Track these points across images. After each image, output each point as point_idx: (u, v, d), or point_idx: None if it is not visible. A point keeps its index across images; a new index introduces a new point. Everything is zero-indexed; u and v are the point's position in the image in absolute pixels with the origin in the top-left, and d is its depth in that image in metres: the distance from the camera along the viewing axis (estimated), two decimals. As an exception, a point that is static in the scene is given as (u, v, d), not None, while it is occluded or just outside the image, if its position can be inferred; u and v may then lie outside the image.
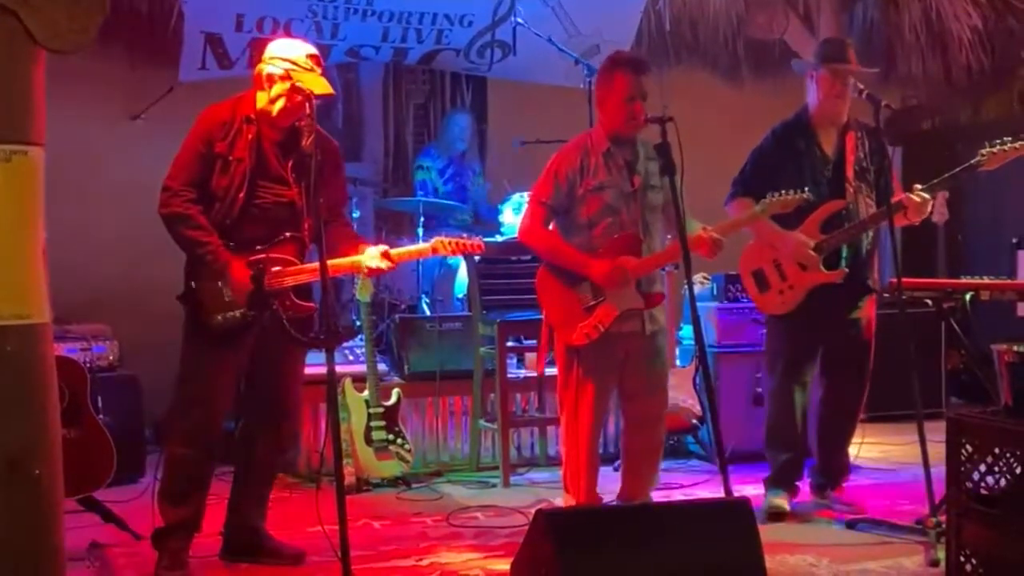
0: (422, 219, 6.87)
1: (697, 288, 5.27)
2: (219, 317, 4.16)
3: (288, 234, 4.27)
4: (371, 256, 4.27)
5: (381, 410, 5.70)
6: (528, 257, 5.97)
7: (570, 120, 6.19)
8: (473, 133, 7.74)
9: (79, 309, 6.12)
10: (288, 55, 4.20)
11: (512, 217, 6.76)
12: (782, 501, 5.01)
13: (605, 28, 7.38)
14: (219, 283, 4.14)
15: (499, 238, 6.76)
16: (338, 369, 4.05)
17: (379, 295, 6.76)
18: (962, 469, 3.77)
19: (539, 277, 4.64)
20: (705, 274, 6.47)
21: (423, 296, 6.94)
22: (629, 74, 4.45)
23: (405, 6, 7.06)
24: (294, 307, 4.24)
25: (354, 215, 6.82)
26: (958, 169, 4.76)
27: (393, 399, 5.77)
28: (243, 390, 4.48)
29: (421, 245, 4.54)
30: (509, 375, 6.01)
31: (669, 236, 4.65)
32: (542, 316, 4.69)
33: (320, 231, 3.85)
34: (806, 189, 4.62)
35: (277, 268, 4.21)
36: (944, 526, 3.95)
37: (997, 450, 3.67)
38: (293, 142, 4.25)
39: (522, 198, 6.69)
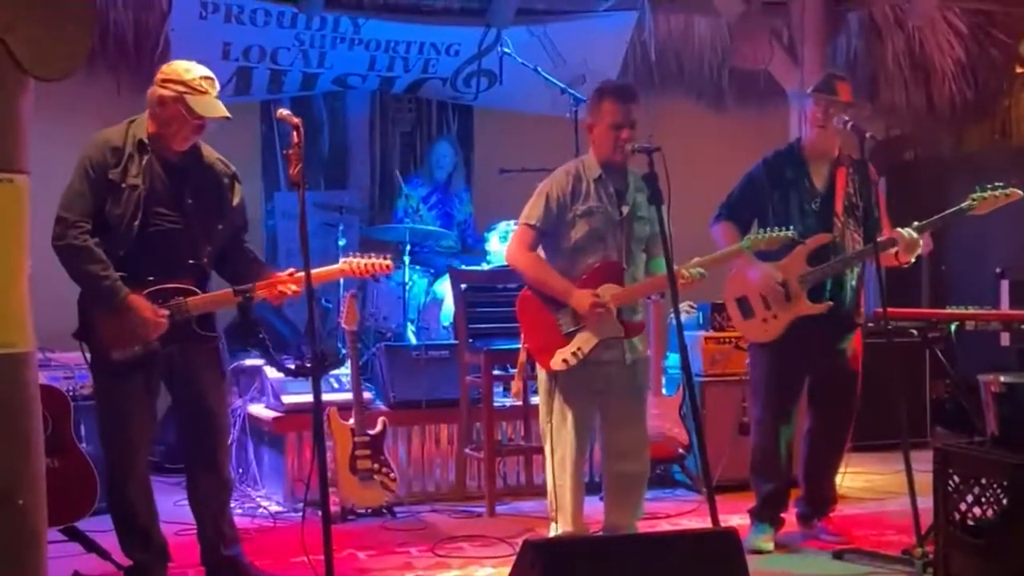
0: (408, 247, 6.86)
1: (683, 317, 5.28)
2: (116, 354, 4.09)
3: (189, 262, 4.19)
4: (284, 276, 4.23)
5: (366, 439, 5.67)
6: (514, 286, 5.96)
7: (556, 149, 6.20)
8: (456, 161, 7.74)
9: (62, 337, 6.06)
10: (182, 77, 4.12)
11: (498, 245, 6.76)
12: (764, 542, 4.98)
13: (591, 58, 7.42)
14: (119, 319, 4.06)
15: (485, 266, 6.76)
16: (323, 397, 4.03)
17: (365, 323, 6.74)
18: (949, 499, 3.77)
19: (520, 299, 4.63)
20: (691, 303, 6.48)
21: (409, 324, 6.92)
22: (616, 103, 4.47)
23: (392, 35, 7.09)
24: (197, 338, 4.20)
25: (340, 243, 6.81)
26: (947, 212, 4.79)
27: (378, 427, 5.74)
28: (177, 428, 4.41)
29: (332, 266, 4.43)
30: (495, 403, 5.99)
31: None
32: (520, 339, 4.68)
33: (306, 251, 3.75)
34: (791, 228, 4.64)
35: (179, 299, 4.14)
36: (931, 556, 3.95)
37: (984, 480, 3.68)
38: (189, 166, 4.21)
39: (508, 226, 6.70)
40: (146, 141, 4.14)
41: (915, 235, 4.77)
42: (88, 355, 4.21)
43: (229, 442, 4.56)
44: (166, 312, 4.09)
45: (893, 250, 4.79)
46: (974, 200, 4.76)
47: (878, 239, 4.71)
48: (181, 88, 4.09)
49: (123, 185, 4.08)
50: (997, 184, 4.74)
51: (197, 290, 4.19)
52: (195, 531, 4.43)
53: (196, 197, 4.20)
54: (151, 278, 4.12)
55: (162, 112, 4.13)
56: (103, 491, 4.76)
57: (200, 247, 4.21)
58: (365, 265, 4.36)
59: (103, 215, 4.08)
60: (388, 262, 4.41)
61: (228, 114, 4.12)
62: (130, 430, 4.18)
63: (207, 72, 4.17)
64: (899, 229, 4.80)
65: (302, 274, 4.07)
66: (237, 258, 4.37)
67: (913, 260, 4.86)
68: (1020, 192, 4.76)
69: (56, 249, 4.05)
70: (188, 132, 4.14)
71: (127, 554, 4.28)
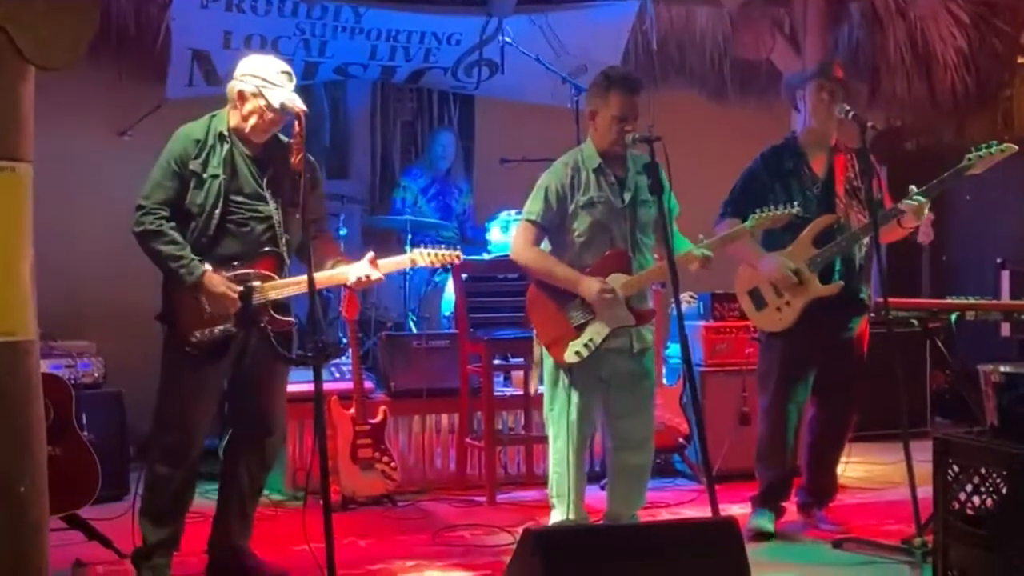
0: (409, 236, 6.86)
1: (684, 307, 5.28)
2: (197, 334, 4.15)
3: (267, 249, 4.26)
4: (359, 265, 4.28)
5: (367, 428, 5.68)
6: (515, 275, 5.98)
7: (557, 139, 6.20)
8: (457, 151, 7.74)
9: (64, 325, 6.09)
10: (259, 72, 4.20)
11: (499, 235, 6.77)
12: (767, 523, 5.01)
13: (592, 48, 7.41)
14: (197, 299, 4.13)
15: (486, 256, 6.76)
16: (324, 387, 4.04)
17: (366, 313, 6.75)
18: (948, 489, 3.77)
19: (530, 296, 4.64)
20: (692, 293, 6.49)
21: (410, 314, 6.93)
22: (622, 94, 4.46)
23: (393, 25, 7.07)
24: (274, 322, 4.25)
25: (341, 233, 6.82)
26: (946, 175, 4.79)
27: (379, 417, 5.75)
28: (227, 407, 4.47)
29: (401, 257, 4.55)
30: (496, 393, 6.00)
31: (656, 255, 4.65)
32: (533, 335, 4.70)
33: (308, 246, 3.83)
34: (795, 203, 4.64)
35: (257, 283, 4.20)
36: (930, 546, 3.95)
37: (984, 470, 3.68)
38: (268, 157, 4.27)
39: (509, 216, 6.70)
40: (226, 133, 4.23)
41: (920, 199, 4.77)
42: (164, 338, 4.26)
43: (281, 428, 4.59)
44: (239, 288, 4.14)
45: (903, 217, 4.79)
46: (971, 159, 4.76)
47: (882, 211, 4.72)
48: (259, 82, 4.17)
49: (204, 176, 4.17)
50: (992, 142, 4.75)
51: (274, 276, 4.24)
52: (200, 518, 4.44)
53: (275, 187, 4.27)
54: (233, 264, 4.19)
55: (241, 105, 4.22)
56: (105, 478, 4.79)
57: (279, 235, 4.27)
58: (434, 256, 4.48)
59: (184, 205, 4.17)
60: (458, 252, 4.59)
61: (304, 107, 4.16)
62: (193, 416, 4.23)
63: (285, 66, 4.25)
64: (903, 200, 4.80)
65: (380, 261, 4.29)
66: (323, 246, 4.42)
67: (920, 221, 4.86)
68: (1015, 147, 4.76)
69: (135, 236, 4.15)
70: (266, 124, 4.22)
71: (144, 532, 4.26)
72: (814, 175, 4.99)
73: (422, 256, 4.47)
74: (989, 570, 3.61)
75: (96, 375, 5.96)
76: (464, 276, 6.15)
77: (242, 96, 4.22)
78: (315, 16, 6.83)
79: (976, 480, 3.70)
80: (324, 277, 4.27)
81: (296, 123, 3.94)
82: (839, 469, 5.27)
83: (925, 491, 4.00)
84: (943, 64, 8.60)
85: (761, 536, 4.93)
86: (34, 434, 3.26)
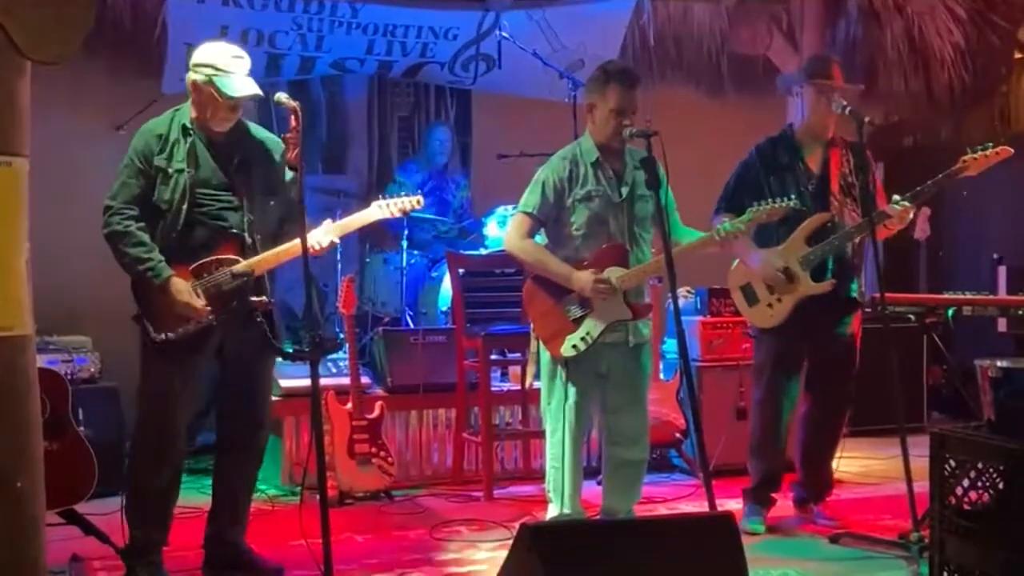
0: (405, 232, 6.86)
1: (681, 302, 5.28)
2: (171, 334, 4.13)
3: (232, 231, 4.21)
4: (314, 233, 4.24)
5: (364, 423, 5.68)
6: (512, 270, 5.98)
7: (554, 134, 6.20)
8: (454, 146, 7.72)
9: (60, 321, 6.08)
10: (209, 60, 4.16)
11: (496, 230, 6.77)
12: (757, 526, 5.01)
13: (590, 42, 7.40)
14: (166, 298, 4.10)
15: (483, 251, 6.76)
16: (321, 382, 4.03)
17: (363, 307, 6.75)
18: (945, 484, 3.78)
19: (527, 290, 4.64)
20: (689, 288, 6.49)
21: (407, 309, 6.93)
22: (620, 87, 4.45)
23: (390, 19, 7.06)
24: (249, 304, 4.21)
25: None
26: (939, 176, 4.79)
27: (376, 412, 5.75)
28: (216, 404, 4.45)
29: (363, 212, 4.48)
30: (492, 388, 6.00)
31: (654, 249, 4.65)
32: (530, 329, 4.69)
33: (305, 243, 3.80)
34: (792, 197, 4.63)
35: (223, 269, 4.17)
36: (927, 541, 3.96)
37: (980, 465, 3.68)
38: (233, 145, 4.24)
39: (506, 211, 6.69)
40: (189, 126, 4.21)
41: (905, 203, 4.77)
42: (141, 336, 4.24)
43: (268, 420, 4.58)
44: (202, 302, 4.11)
45: (888, 221, 4.79)
46: (965, 161, 4.76)
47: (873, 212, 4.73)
48: (209, 71, 4.14)
49: (170, 171, 4.15)
50: (987, 144, 4.74)
51: (239, 259, 4.21)
52: (198, 512, 4.44)
53: (244, 175, 4.24)
54: (198, 255, 4.17)
55: (197, 97, 4.19)
56: (102, 473, 4.78)
57: (242, 219, 4.22)
58: (397, 204, 4.42)
59: (151, 203, 4.15)
60: (419, 197, 4.49)
61: (259, 92, 4.15)
62: (175, 412, 4.22)
63: (236, 51, 4.21)
64: (889, 204, 4.81)
65: (338, 222, 4.33)
66: (292, 234, 4.38)
67: (904, 226, 4.87)
68: (1010, 149, 4.75)
69: (104, 237, 4.14)
70: (224, 113, 4.18)
71: (131, 530, 4.27)
72: (809, 171, 4.99)
73: (382, 209, 4.41)
74: (986, 565, 3.61)
75: (93, 370, 5.95)
76: (461, 271, 6.15)
77: (196, 87, 4.17)
78: (312, 11, 6.82)
79: (973, 475, 3.71)
80: (286, 251, 4.22)
81: (293, 117, 3.92)
82: (834, 464, 5.28)
83: (922, 486, 4.00)
84: (940, 60, 8.60)
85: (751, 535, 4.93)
86: (31, 429, 3.25)
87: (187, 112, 4.24)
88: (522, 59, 7.09)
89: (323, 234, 4.29)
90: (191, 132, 4.20)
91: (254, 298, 4.23)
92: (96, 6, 3.34)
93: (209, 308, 4.13)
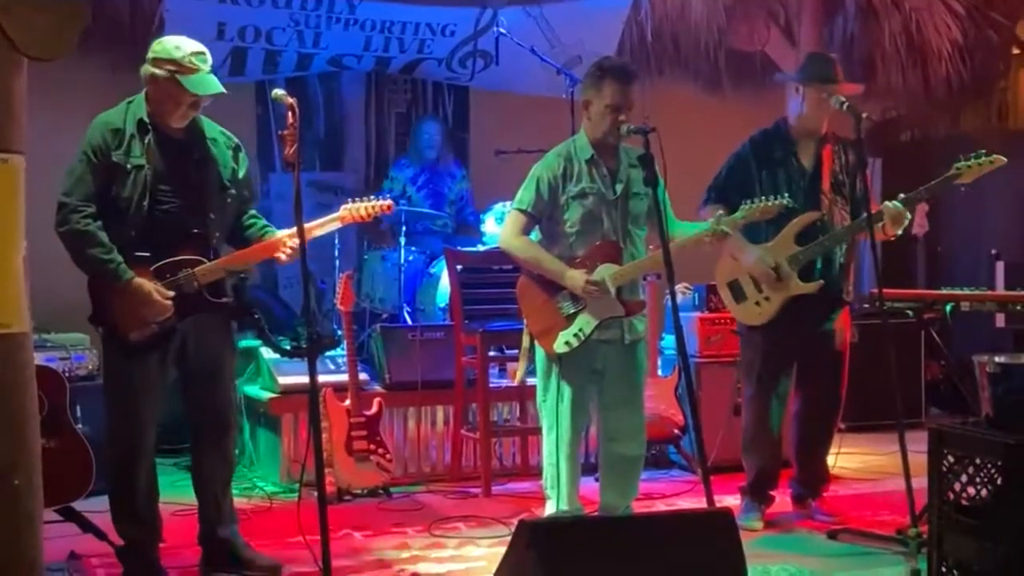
0: (403, 228, 6.85)
1: (679, 298, 5.27)
2: (137, 334, 4.08)
3: (194, 231, 4.15)
4: (286, 234, 4.20)
5: (362, 420, 5.68)
6: (510, 267, 5.97)
7: (552, 130, 6.18)
8: (444, 139, 7.66)
9: (58, 318, 6.07)
10: (172, 56, 4.07)
11: (494, 226, 6.76)
12: (755, 523, 5.02)
13: (587, 39, 7.40)
14: (128, 300, 4.04)
15: (481, 247, 6.75)
16: (319, 379, 4.02)
17: (361, 304, 6.74)
18: (943, 479, 3.78)
19: (520, 285, 4.64)
20: (687, 284, 6.48)
21: (405, 305, 6.92)
22: (616, 84, 4.44)
23: (387, 16, 7.06)
24: (211, 306, 4.18)
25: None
26: (935, 181, 4.78)
27: (374, 408, 5.75)
28: (184, 407, 4.39)
29: (331, 215, 4.37)
30: (491, 385, 6.00)
31: (651, 246, 4.64)
32: (523, 325, 4.69)
33: (304, 241, 3.76)
34: (785, 196, 4.62)
35: (186, 270, 4.12)
36: (925, 536, 3.96)
37: (978, 460, 3.68)
38: (192, 141, 4.18)
39: (504, 208, 6.68)
40: (146, 120, 4.11)
41: (900, 207, 4.76)
42: (102, 337, 4.21)
43: (235, 420, 4.56)
44: (171, 294, 4.08)
45: (880, 224, 4.76)
46: (959, 168, 4.74)
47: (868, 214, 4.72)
48: (172, 67, 4.05)
49: (128, 167, 4.06)
50: (980, 152, 4.74)
51: (203, 259, 4.16)
52: (195, 510, 4.44)
53: (201, 172, 4.18)
54: (159, 255, 4.10)
55: (155, 92, 4.11)
56: (100, 471, 4.77)
57: (204, 219, 4.17)
58: (366, 209, 4.30)
59: (108, 199, 4.06)
60: (389, 202, 4.35)
61: (223, 90, 4.10)
62: (141, 411, 4.18)
63: (198, 47, 4.11)
64: (885, 203, 4.79)
65: (307, 224, 4.10)
66: (249, 230, 4.36)
67: (900, 232, 4.85)
68: (1004, 159, 4.74)
69: (59, 235, 4.04)
70: (184, 110, 4.11)
71: (120, 531, 4.28)
72: (801, 167, 4.98)
73: (352, 211, 4.30)
74: (984, 560, 3.62)
75: (90, 367, 5.93)
76: (459, 268, 6.14)
77: (155, 81, 4.08)
78: (309, 7, 6.81)
79: (971, 470, 3.71)
80: (251, 253, 4.21)
81: (290, 114, 3.89)
82: (832, 460, 5.28)
83: (920, 482, 4.00)
84: (938, 55, 8.60)
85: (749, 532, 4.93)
86: (28, 427, 3.25)
87: (141, 105, 4.13)
88: (520, 55, 7.09)
89: (288, 236, 4.21)
90: (148, 127, 4.11)
91: (216, 300, 4.19)
92: (93, 3, 3.34)
93: (173, 307, 4.09)
